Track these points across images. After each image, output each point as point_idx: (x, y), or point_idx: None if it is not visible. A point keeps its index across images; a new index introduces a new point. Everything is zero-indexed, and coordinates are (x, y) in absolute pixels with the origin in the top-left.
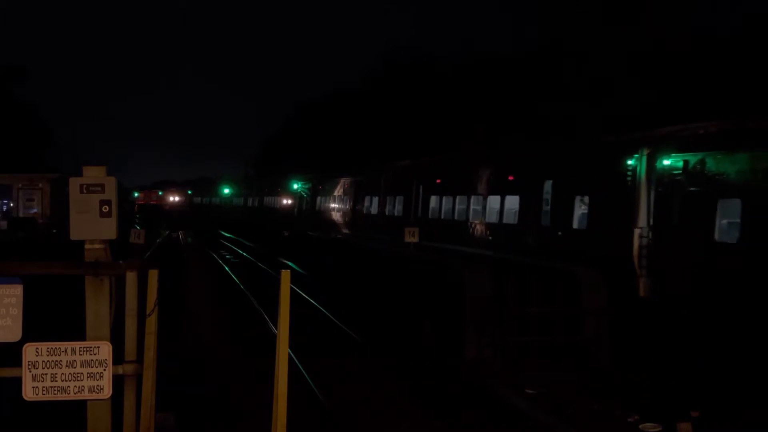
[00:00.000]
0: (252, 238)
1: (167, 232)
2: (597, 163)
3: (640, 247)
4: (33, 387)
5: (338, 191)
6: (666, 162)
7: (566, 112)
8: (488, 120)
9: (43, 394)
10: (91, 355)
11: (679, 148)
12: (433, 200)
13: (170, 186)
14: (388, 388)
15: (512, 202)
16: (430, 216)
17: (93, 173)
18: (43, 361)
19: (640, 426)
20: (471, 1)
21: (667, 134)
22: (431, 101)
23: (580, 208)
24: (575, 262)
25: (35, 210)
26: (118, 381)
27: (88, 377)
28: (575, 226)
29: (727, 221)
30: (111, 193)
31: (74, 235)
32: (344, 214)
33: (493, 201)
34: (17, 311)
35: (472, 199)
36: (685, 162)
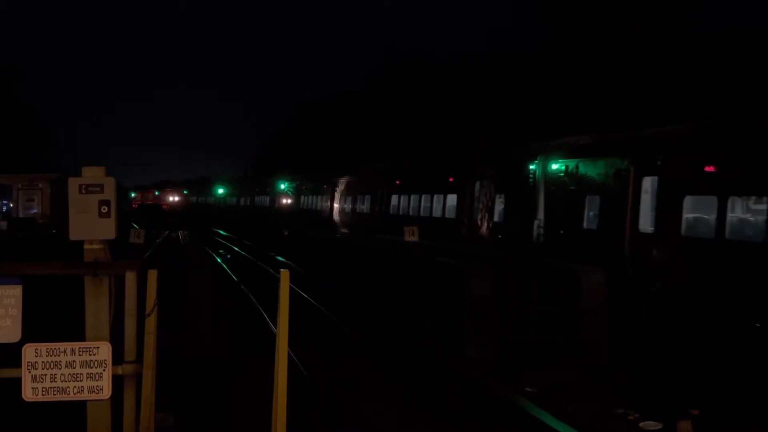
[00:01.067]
0: (242, 234)
1: (166, 232)
2: (513, 167)
3: (537, 235)
4: (32, 387)
5: (317, 191)
6: (554, 166)
7: (564, 111)
8: (488, 120)
9: (43, 395)
10: (90, 355)
11: (564, 156)
12: (394, 199)
13: (167, 186)
14: (388, 387)
15: (452, 200)
16: (391, 213)
17: (92, 173)
18: (43, 362)
19: (641, 424)
20: (470, 2)
21: (555, 144)
22: (431, 101)
23: (500, 204)
24: (496, 246)
25: (35, 210)
26: (117, 381)
27: (87, 377)
28: (496, 219)
29: (592, 213)
30: (110, 193)
31: (73, 235)
32: (322, 212)
33: (437, 199)
34: (17, 312)
35: (423, 197)
36: (566, 167)
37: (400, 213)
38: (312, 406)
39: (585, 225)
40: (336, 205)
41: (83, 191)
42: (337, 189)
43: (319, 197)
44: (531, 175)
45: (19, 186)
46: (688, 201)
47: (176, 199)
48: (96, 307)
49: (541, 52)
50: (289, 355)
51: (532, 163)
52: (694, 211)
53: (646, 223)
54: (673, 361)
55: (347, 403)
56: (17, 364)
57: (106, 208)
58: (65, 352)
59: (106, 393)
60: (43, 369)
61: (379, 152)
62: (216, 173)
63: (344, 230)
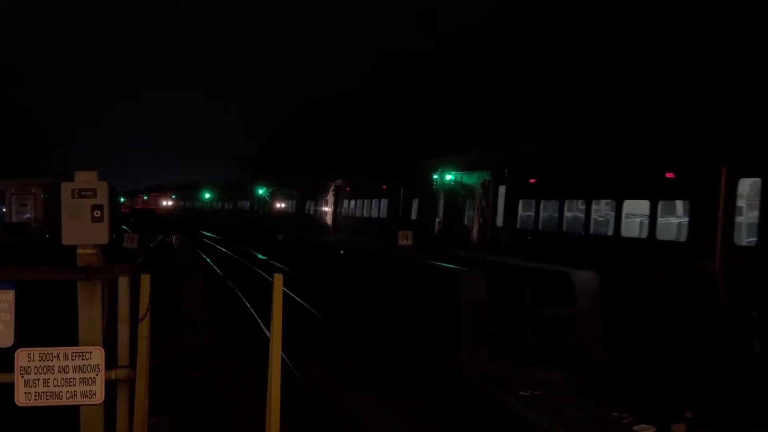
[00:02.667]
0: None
1: (160, 236)
2: (424, 177)
3: (438, 230)
4: (25, 392)
5: (290, 196)
6: (448, 177)
7: (556, 113)
8: (483, 122)
9: (36, 400)
10: (83, 360)
11: (454, 169)
12: (346, 203)
13: (157, 191)
14: (383, 390)
15: (384, 203)
16: (343, 214)
17: (85, 178)
18: (36, 367)
19: (635, 427)
20: (466, 6)
21: (447, 160)
22: (427, 103)
23: (415, 206)
24: (422, 238)
25: (28, 215)
26: (110, 386)
27: (80, 382)
28: (413, 217)
29: (470, 212)
30: (103, 197)
31: (66, 240)
32: (294, 215)
33: (375, 203)
34: (9, 317)
35: (365, 201)
36: (455, 177)
37: (350, 215)
38: (306, 408)
39: (465, 222)
40: (304, 209)
41: (76, 196)
42: (304, 194)
43: (291, 202)
44: (434, 184)
45: (13, 191)
46: (520, 203)
47: (169, 203)
48: (89, 312)
49: (532, 57)
50: (282, 359)
51: (435, 174)
52: (525, 210)
53: (499, 218)
54: (667, 364)
55: (342, 406)
56: (10, 368)
57: (99, 213)
58: (58, 356)
59: (99, 398)
60: (36, 374)
61: (376, 154)
62: (207, 178)
63: (307, 231)
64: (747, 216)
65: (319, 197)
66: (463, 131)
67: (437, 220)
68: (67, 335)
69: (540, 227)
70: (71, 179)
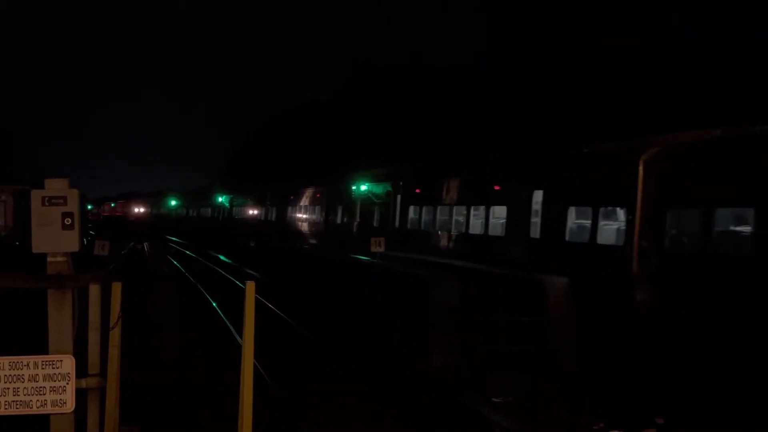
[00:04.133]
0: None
1: (131, 243)
2: (346, 187)
3: (356, 231)
4: None
5: (243, 204)
6: (363, 188)
7: (527, 123)
8: (455, 131)
9: (6, 409)
10: (53, 368)
11: (368, 181)
12: (290, 209)
13: (127, 198)
14: (354, 397)
15: (318, 209)
16: (287, 220)
17: (55, 185)
18: (5, 375)
19: None
20: (437, 14)
21: (363, 174)
22: (399, 111)
23: (340, 212)
24: (340, 239)
25: None
26: (81, 394)
27: (50, 391)
28: (338, 221)
29: (378, 216)
30: (73, 205)
31: (36, 248)
32: (248, 222)
33: (310, 209)
34: None
35: (305, 208)
36: (368, 188)
37: (295, 220)
38: (280, 419)
39: (375, 224)
40: (257, 216)
41: (46, 203)
42: (257, 202)
43: (244, 209)
44: (353, 193)
45: None
46: (410, 209)
47: (141, 210)
48: (59, 320)
49: (503, 64)
50: (255, 366)
51: (353, 185)
52: (414, 213)
53: (396, 220)
54: (638, 370)
55: (312, 412)
56: None
57: (70, 220)
58: (28, 365)
59: (70, 406)
60: (5, 382)
61: (344, 162)
62: (183, 185)
63: (262, 235)
64: (540, 215)
65: (269, 205)
66: (429, 139)
67: (355, 223)
68: (37, 344)
69: (422, 227)
70: (41, 186)
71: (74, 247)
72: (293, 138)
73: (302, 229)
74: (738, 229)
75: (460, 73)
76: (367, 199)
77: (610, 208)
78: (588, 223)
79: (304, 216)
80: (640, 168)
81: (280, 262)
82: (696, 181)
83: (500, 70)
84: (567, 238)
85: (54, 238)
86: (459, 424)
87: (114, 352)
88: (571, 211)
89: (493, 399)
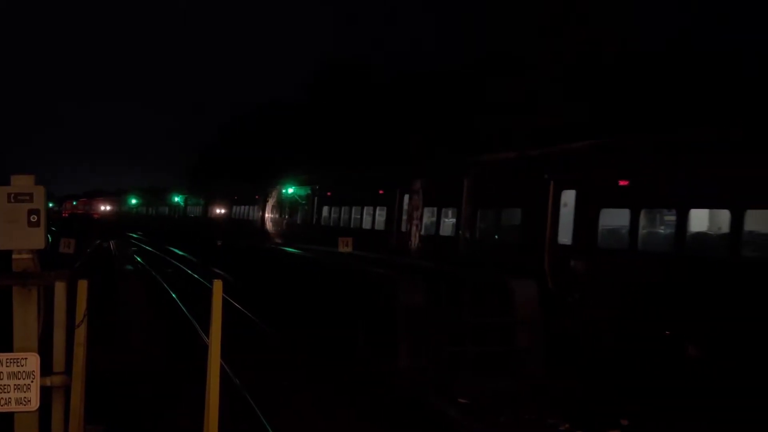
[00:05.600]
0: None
1: (98, 240)
2: (277, 189)
3: (285, 224)
4: None
5: (195, 204)
6: (290, 191)
7: (498, 125)
8: (424, 131)
9: None
10: (18, 366)
11: (295, 185)
12: (235, 209)
13: (93, 196)
14: (319, 398)
15: (255, 209)
16: (232, 218)
17: (21, 182)
18: None
19: None
20: (406, 13)
21: (287, 179)
22: (368, 112)
23: (271, 210)
24: (273, 233)
25: None
26: (46, 393)
27: (15, 389)
28: (271, 219)
29: (300, 215)
30: (40, 202)
31: (1, 245)
32: (197, 220)
33: (250, 209)
34: None
35: (245, 208)
36: (295, 190)
37: (235, 219)
38: (246, 418)
39: (298, 221)
40: (206, 214)
41: (12, 200)
42: (207, 202)
43: (196, 208)
44: (283, 195)
45: None
46: (324, 209)
47: (107, 208)
48: (24, 318)
49: (477, 64)
50: (221, 365)
51: (283, 188)
52: (327, 213)
53: (314, 218)
54: (602, 371)
55: (279, 412)
56: None
57: (36, 218)
58: None
59: (34, 405)
60: None
61: (315, 162)
62: (146, 184)
63: (209, 233)
64: (406, 214)
65: (215, 205)
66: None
67: (284, 220)
68: (1, 341)
69: (331, 224)
70: (7, 183)
71: (40, 244)
72: (253, 138)
73: (244, 225)
74: (504, 224)
75: (423, 74)
76: (294, 201)
77: (450, 209)
78: (434, 219)
79: (246, 214)
80: (465, 181)
81: (227, 256)
82: (486, 190)
83: (460, 73)
84: (422, 232)
85: (19, 235)
86: (421, 425)
87: (80, 351)
88: (426, 211)
89: (460, 400)
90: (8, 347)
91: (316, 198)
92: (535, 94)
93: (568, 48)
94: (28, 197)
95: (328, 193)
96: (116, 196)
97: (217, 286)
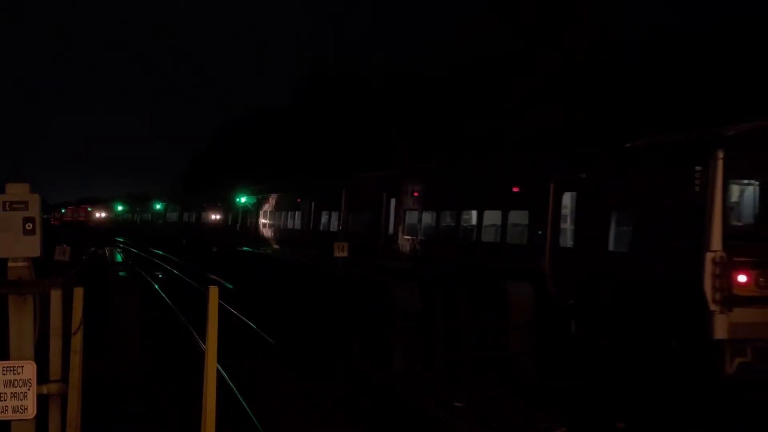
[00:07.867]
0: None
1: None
2: (239, 200)
3: (238, 232)
4: None
5: (174, 210)
6: (243, 200)
7: (488, 130)
8: (413, 137)
9: None
10: (14, 374)
11: (247, 195)
12: (212, 216)
13: (71, 205)
14: (314, 403)
15: (220, 216)
16: (204, 226)
17: (16, 190)
18: None
19: None
20: (397, 19)
21: (244, 189)
22: (358, 117)
23: (241, 219)
24: (243, 238)
25: None
26: (42, 401)
27: (11, 397)
28: (229, 225)
29: (251, 221)
30: (35, 210)
31: None
32: (176, 225)
33: (217, 216)
34: None
35: (212, 216)
36: (247, 200)
37: (209, 224)
38: (242, 424)
39: (248, 225)
40: (185, 220)
41: (7, 208)
42: (186, 209)
43: (177, 215)
44: (237, 204)
45: None
46: (267, 214)
47: (102, 215)
48: (20, 326)
49: (465, 70)
50: (217, 370)
51: (237, 198)
52: (269, 219)
53: (260, 224)
54: (598, 375)
55: (275, 416)
56: None
57: (31, 226)
58: None
59: (31, 413)
60: None
61: (307, 167)
62: (148, 190)
63: (187, 237)
64: (313, 218)
65: (193, 212)
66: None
67: (237, 226)
68: None
69: (276, 227)
70: (2, 191)
71: (35, 252)
72: (240, 144)
73: (212, 232)
74: (362, 223)
75: (408, 78)
76: (246, 209)
77: (332, 212)
78: (328, 220)
79: (213, 222)
80: (343, 191)
81: (202, 256)
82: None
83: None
84: (320, 229)
85: (15, 243)
86: (416, 429)
87: (76, 358)
88: (323, 214)
89: (455, 404)
90: (4, 356)
91: (260, 206)
92: None
93: None
94: (23, 205)
95: (270, 202)
96: (103, 203)
97: (213, 292)
